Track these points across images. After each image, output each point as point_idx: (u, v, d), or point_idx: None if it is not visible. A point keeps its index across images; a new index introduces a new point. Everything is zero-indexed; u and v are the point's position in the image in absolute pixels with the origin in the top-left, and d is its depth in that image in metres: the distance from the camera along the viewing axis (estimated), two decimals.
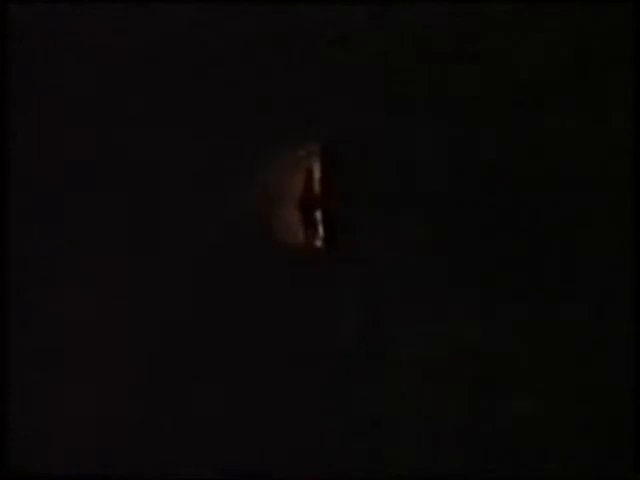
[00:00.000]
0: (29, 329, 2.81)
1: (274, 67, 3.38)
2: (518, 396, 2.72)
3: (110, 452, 2.39)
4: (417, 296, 3.01)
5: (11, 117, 2.81)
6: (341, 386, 2.87)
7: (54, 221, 3.18)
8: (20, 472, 2.27)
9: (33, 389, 2.63)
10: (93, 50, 3.12)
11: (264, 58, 3.32)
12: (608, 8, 2.64)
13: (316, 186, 4.85)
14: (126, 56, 3.21)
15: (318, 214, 4.88)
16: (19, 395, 2.55)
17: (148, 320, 3.12)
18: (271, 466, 2.45)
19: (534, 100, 3.11)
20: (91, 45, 3.12)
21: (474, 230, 3.08)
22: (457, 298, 2.98)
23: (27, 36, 2.85)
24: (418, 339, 2.95)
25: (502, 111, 3.18)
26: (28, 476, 2.28)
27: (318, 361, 3.01)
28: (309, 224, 5.39)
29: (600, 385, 2.59)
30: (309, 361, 2.98)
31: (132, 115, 3.30)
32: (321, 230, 5.24)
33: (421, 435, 2.69)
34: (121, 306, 3.14)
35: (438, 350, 2.91)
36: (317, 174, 4.40)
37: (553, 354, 2.83)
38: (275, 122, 3.85)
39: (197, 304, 3.20)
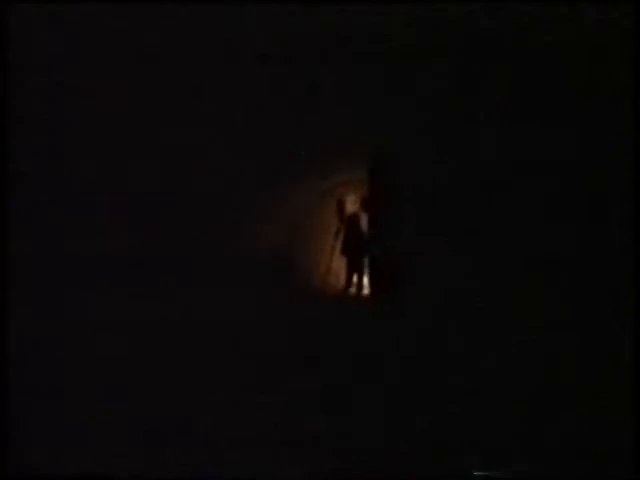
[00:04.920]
0: (29, 331, 2.78)
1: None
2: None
3: (110, 452, 2.37)
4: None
5: (11, 116, 2.80)
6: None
7: (55, 221, 3.14)
8: (20, 472, 2.26)
9: (33, 390, 2.61)
10: (93, 51, 3.10)
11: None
12: (608, 8, 2.63)
13: (362, 228, 4.95)
14: (127, 56, 3.17)
15: (365, 261, 5.03)
16: (19, 396, 2.53)
17: (150, 323, 3.08)
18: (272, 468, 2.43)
19: (534, 100, 3.08)
20: (91, 46, 3.09)
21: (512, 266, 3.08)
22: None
23: (27, 37, 2.84)
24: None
25: (503, 109, 3.16)
26: (28, 476, 2.26)
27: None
28: (354, 271, 5.56)
29: (600, 386, 2.57)
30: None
31: (132, 117, 3.26)
32: (367, 278, 5.36)
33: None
34: (122, 308, 3.10)
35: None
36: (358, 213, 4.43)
37: (553, 356, 2.80)
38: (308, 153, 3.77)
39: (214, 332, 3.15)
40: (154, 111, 3.28)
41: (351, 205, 7.25)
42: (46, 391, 2.63)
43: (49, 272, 2.96)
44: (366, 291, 6.47)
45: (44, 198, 3.06)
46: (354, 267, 6.74)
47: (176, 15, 3.07)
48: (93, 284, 3.00)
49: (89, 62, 3.14)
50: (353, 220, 6.78)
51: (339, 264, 6.92)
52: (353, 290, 6.71)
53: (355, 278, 6.74)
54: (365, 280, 6.60)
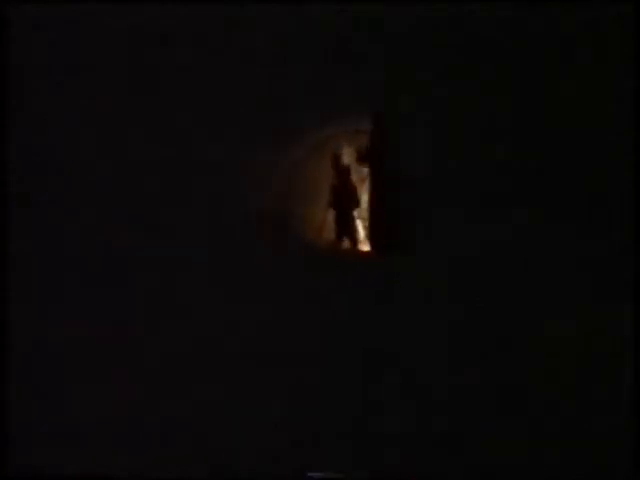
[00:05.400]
0: (30, 331, 2.78)
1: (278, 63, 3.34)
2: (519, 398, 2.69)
3: (110, 452, 2.37)
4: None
5: (11, 115, 2.79)
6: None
7: (55, 220, 3.13)
8: (20, 472, 2.26)
9: (34, 390, 2.61)
10: (93, 51, 3.09)
11: (264, 56, 3.28)
12: (608, 8, 2.63)
13: (353, 181, 4.75)
14: (127, 55, 3.16)
15: (356, 214, 4.77)
16: (20, 396, 2.53)
17: (151, 322, 3.06)
18: (269, 467, 2.43)
19: (534, 99, 3.08)
20: (91, 46, 3.09)
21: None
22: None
23: (27, 37, 2.84)
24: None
25: (503, 109, 3.15)
26: (28, 476, 2.26)
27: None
28: (345, 224, 5.26)
29: (600, 386, 2.56)
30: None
31: (132, 116, 3.25)
32: (362, 233, 5.10)
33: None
34: (123, 307, 3.09)
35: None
36: (347, 162, 4.34)
37: (554, 355, 2.80)
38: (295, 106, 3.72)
39: (210, 304, 3.15)
40: (154, 111, 3.28)
41: (347, 158, 7.08)
42: (46, 391, 2.63)
43: (50, 271, 2.95)
44: (364, 246, 6.39)
45: (44, 198, 3.05)
46: (344, 220, 6.67)
47: (176, 15, 3.07)
48: (93, 281, 2.99)
49: (89, 62, 3.13)
50: (344, 172, 6.65)
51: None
52: (346, 244, 6.63)
53: (346, 232, 6.65)
54: (361, 234, 6.59)
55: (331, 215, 6.95)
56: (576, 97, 2.99)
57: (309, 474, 2.35)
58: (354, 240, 6.92)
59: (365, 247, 6.68)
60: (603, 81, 2.88)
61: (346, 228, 6.89)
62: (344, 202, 6.83)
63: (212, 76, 3.41)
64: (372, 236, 5.94)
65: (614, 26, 2.74)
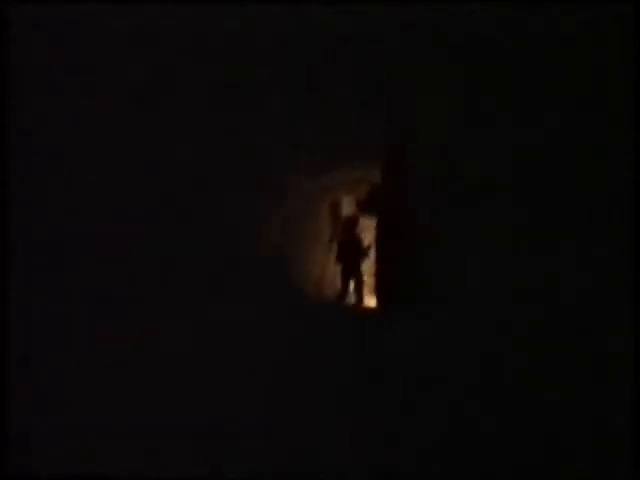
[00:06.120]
0: (30, 330, 2.78)
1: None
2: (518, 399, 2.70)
3: (110, 452, 2.38)
4: None
5: (10, 114, 2.80)
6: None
7: (55, 221, 3.14)
8: (20, 472, 2.26)
9: (34, 390, 2.61)
10: (93, 51, 3.09)
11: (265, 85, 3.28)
12: (608, 8, 2.63)
13: (359, 232, 4.76)
14: (127, 56, 3.17)
15: (363, 268, 4.74)
16: (20, 396, 2.53)
17: (147, 323, 3.07)
18: (270, 466, 2.43)
19: (534, 99, 3.08)
20: (91, 46, 3.09)
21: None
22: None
23: (27, 37, 2.84)
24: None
25: (504, 108, 3.15)
26: (28, 476, 2.26)
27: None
28: (350, 279, 5.25)
29: (600, 386, 2.56)
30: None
31: (132, 117, 3.26)
32: (359, 289, 5.00)
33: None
34: (123, 307, 3.10)
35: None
36: (348, 210, 4.41)
37: (553, 357, 2.80)
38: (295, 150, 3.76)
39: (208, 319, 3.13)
40: (154, 112, 3.28)
41: (347, 207, 6.73)
42: (46, 391, 2.63)
43: (50, 272, 2.96)
44: (370, 302, 5.97)
45: (44, 198, 3.06)
46: (350, 275, 6.25)
47: (176, 15, 3.08)
48: (93, 284, 3.00)
49: (89, 62, 3.14)
50: (350, 223, 6.20)
51: (334, 272, 6.37)
52: (351, 300, 6.18)
53: (352, 287, 6.16)
54: (365, 289, 6.14)
55: (334, 269, 6.46)
56: (576, 97, 3.00)
57: None
58: (360, 294, 6.42)
59: (370, 302, 6.23)
60: (603, 81, 2.88)
61: (352, 282, 6.36)
62: (350, 255, 6.33)
63: (213, 76, 3.42)
64: (378, 289, 5.48)
65: (614, 26, 2.74)
